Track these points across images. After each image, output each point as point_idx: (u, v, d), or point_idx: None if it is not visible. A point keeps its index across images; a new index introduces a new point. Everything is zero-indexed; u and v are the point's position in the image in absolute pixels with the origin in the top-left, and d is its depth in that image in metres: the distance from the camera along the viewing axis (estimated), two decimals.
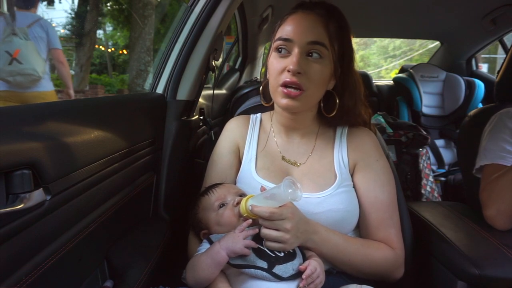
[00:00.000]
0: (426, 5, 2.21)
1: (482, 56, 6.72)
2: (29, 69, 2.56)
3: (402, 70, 3.31)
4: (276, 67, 0.91)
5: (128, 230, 0.99)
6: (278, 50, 0.92)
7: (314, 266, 0.79)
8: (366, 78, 3.02)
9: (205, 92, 1.50)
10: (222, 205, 0.90)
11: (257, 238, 0.81)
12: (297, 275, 0.78)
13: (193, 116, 1.33)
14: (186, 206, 1.02)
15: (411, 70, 2.95)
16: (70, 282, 0.75)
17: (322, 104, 0.99)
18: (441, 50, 3.24)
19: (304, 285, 0.76)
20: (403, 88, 2.93)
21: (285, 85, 0.89)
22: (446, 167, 2.70)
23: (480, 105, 2.78)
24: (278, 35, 0.93)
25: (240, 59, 2.48)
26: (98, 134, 0.80)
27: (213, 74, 1.37)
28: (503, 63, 1.38)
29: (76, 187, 0.70)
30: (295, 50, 0.88)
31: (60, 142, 0.68)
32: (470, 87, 2.79)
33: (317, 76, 0.90)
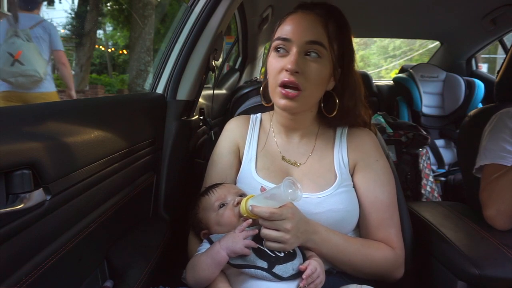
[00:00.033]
0: (426, 5, 2.21)
1: (482, 56, 6.72)
2: (30, 70, 2.59)
3: (402, 70, 3.31)
4: (275, 66, 0.91)
5: (128, 230, 0.99)
6: (277, 49, 0.92)
7: (314, 266, 0.79)
8: (366, 78, 3.02)
9: (205, 92, 1.50)
10: (222, 205, 0.90)
11: (257, 238, 0.81)
12: (297, 275, 0.78)
13: (193, 116, 1.33)
14: (186, 206, 1.02)
15: (411, 70, 2.95)
16: (70, 282, 0.75)
17: (322, 105, 0.99)
18: (441, 50, 3.24)
19: (304, 285, 0.76)
20: (403, 88, 2.93)
21: (284, 85, 0.89)
22: (446, 167, 2.70)
23: (480, 105, 2.78)
24: (277, 34, 0.93)
25: (240, 59, 2.48)
26: (98, 134, 0.80)
27: (213, 74, 1.37)
28: (503, 63, 1.38)
29: (76, 187, 0.70)
30: (293, 50, 0.88)
31: (60, 142, 0.68)
32: (470, 87, 2.79)
33: (315, 76, 0.89)
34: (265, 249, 0.80)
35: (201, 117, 1.41)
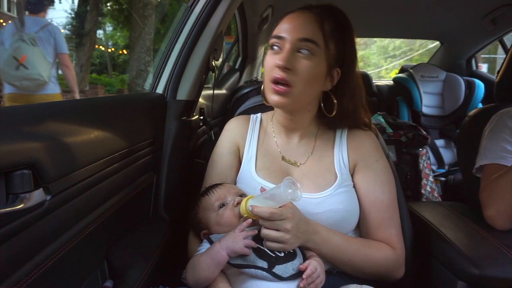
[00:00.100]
0: (426, 5, 2.21)
1: (482, 56, 6.72)
2: (35, 74, 2.66)
3: (402, 70, 3.31)
4: (269, 63, 0.92)
5: (128, 230, 0.99)
6: (272, 47, 0.93)
7: (315, 266, 0.79)
8: (366, 78, 3.02)
9: (205, 92, 1.50)
10: (222, 205, 0.90)
11: (257, 238, 0.81)
12: (297, 275, 0.78)
13: (193, 116, 1.33)
14: (186, 206, 1.02)
15: (411, 70, 2.95)
16: (70, 282, 0.75)
17: (322, 105, 0.99)
18: (441, 50, 3.24)
19: (304, 285, 0.76)
20: (403, 88, 2.93)
21: (275, 81, 0.89)
22: (446, 167, 2.70)
23: (480, 105, 2.78)
24: (273, 33, 0.94)
25: (240, 59, 2.48)
26: (98, 134, 0.80)
27: (213, 74, 1.37)
28: (503, 63, 1.38)
29: (76, 187, 0.70)
30: (286, 47, 0.89)
31: (60, 142, 0.68)
32: (470, 87, 2.79)
33: (306, 73, 0.88)
34: (265, 249, 0.80)
35: (201, 117, 1.41)
